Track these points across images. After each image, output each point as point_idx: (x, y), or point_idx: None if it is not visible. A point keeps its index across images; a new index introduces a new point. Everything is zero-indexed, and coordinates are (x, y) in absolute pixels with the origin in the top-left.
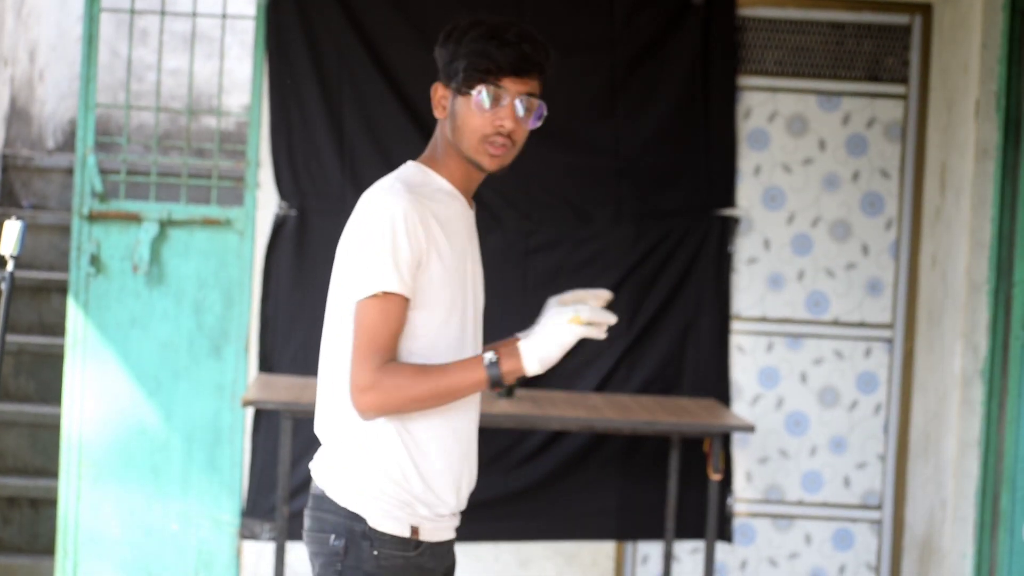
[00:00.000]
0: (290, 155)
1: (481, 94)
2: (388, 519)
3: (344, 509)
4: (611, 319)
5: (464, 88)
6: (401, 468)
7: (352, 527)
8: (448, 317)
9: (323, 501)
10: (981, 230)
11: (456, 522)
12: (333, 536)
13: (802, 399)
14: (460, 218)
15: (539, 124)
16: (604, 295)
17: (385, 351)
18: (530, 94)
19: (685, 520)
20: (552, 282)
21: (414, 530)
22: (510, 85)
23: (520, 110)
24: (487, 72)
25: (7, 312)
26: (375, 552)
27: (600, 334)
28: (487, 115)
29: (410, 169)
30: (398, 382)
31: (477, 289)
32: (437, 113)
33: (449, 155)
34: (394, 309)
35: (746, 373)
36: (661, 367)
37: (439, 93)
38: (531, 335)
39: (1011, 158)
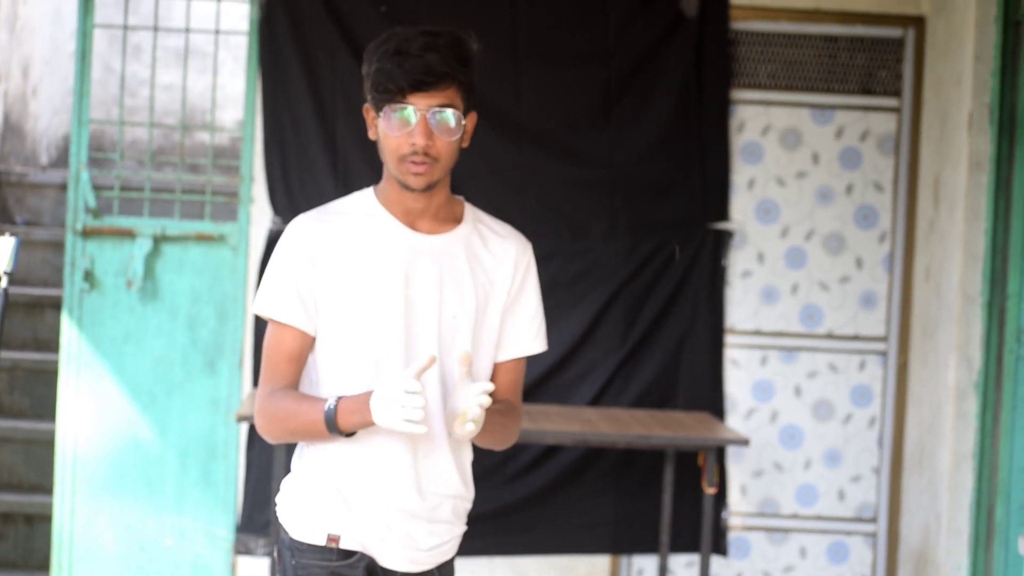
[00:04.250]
0: (284, 170)
1: (388, 114)
2: (303, 528)
3: (279, 522)
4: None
5: (375, 110)
6: (317, 477)
7: (283, 538)
8: (358, 342)
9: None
10: (975, 243)
11: (421, 555)
12: (275, 548)
13: (796, 412)
14: (387, 241)
15: (459, 135)
16: (414, 386)
17: (277, 377)
18: (445, 105)
19: (680, 534)
20: (547, 295)
21: (332, 538)
22: (418, 100)
23: (433, 123)
24: (389, 92)
25: (1, 328)
26: (293, 561)
27: (418, 430)
28: (401, 135)
29: (359, 192)
30: (275, 412)
31: (419, 315)
32: (370, 135)
33: (386, 178)
34: (280, 333)
35: (740, 386)
36: (655, 380)
37: (369, 115)
38: (377, 394)
39: (1004, 170)
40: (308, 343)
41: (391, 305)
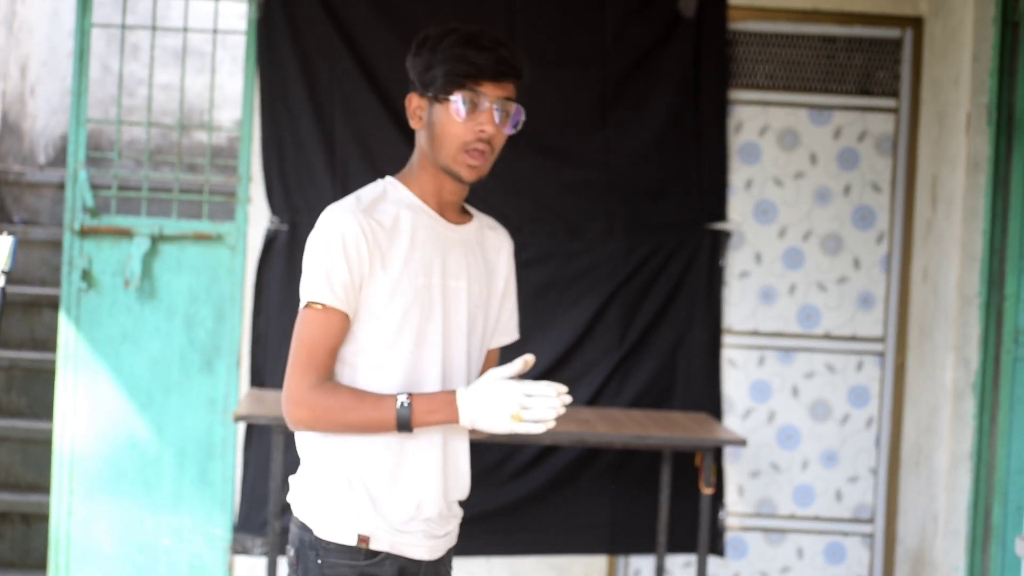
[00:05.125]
0: (281, 170)
1: (460, 100)
2: (332, 528)
3: (298, 520)
4: (552, 421)
5: (442, 95)
6: (347, 477)
7: (303, 537)
8: (399, 332)
9: (290, 514)
10: (972, 243)
11: (438, 542)
12: (290, 547)
13: (794, 413)
14: (426, 231)
15: (515, 131)
16: (555, 389)
17: (321, 368)
18: (507, 99)
19: (677, 534)
20: (543, 296)
21: (363, 539)
22: (489, 90)
23: (498, 116)
24: (466, 76)
25: None
26: (319, 561)
27: (539, 429)
28: (467, 122)
29: (376, 184)
30: (330, 405)
31: (454, 304)
32: (413, 124)
33: (423, 168)
34: (329, 322)
35: (738, 387)
36: (653, 381)
37: (414, 103)
38: (474, 396)
39: (1002, 171)
40: (347, 330)
41: (432, 294)
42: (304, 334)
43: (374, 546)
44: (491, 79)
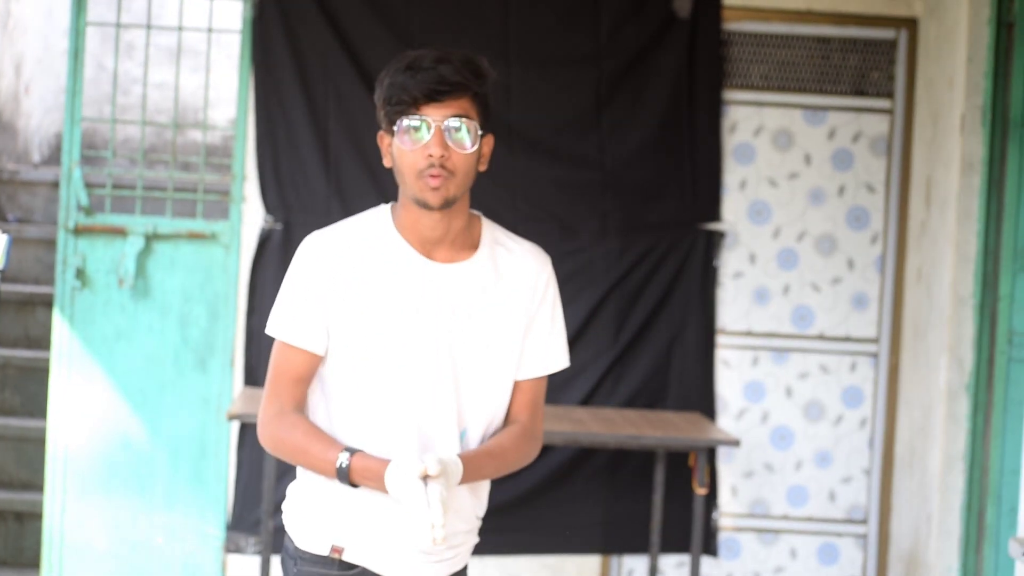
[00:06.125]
0: (276, 169)
1: (402, 128)
2: (307, 537)
3: (286, 530)
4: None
5: (391, 127)
6: (325, 489)
7: (287, 546)
8: (364, 370)
9: (282, 513)
10: (966, 244)
11: (433, 564)
12: (282, 555)
13: (787, 413)
14: (404, 270)
15: (475, 149)
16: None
17: (284, 396)
18: (460, 116)
19: (670, 534)
20: None
21: (336, 549)
22: (431, 112)
23: (450, 135)
24: (402, 104)
25: None
26: (295, 570)
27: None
28: (417, 149)
29: (375, 211)
30: (284, 438)
31: (429, 343)
32: (385, 163)
33: (403, 204)
34: (288, 355)
35: (731, 387)
36: (646, 381)
37: (384, 142)
38: (392, 476)
39: (996, 172)
40: (317, 363)
41: (399, 336)
42: (272, 362)
43: (347, 558)
44: (430, 100)
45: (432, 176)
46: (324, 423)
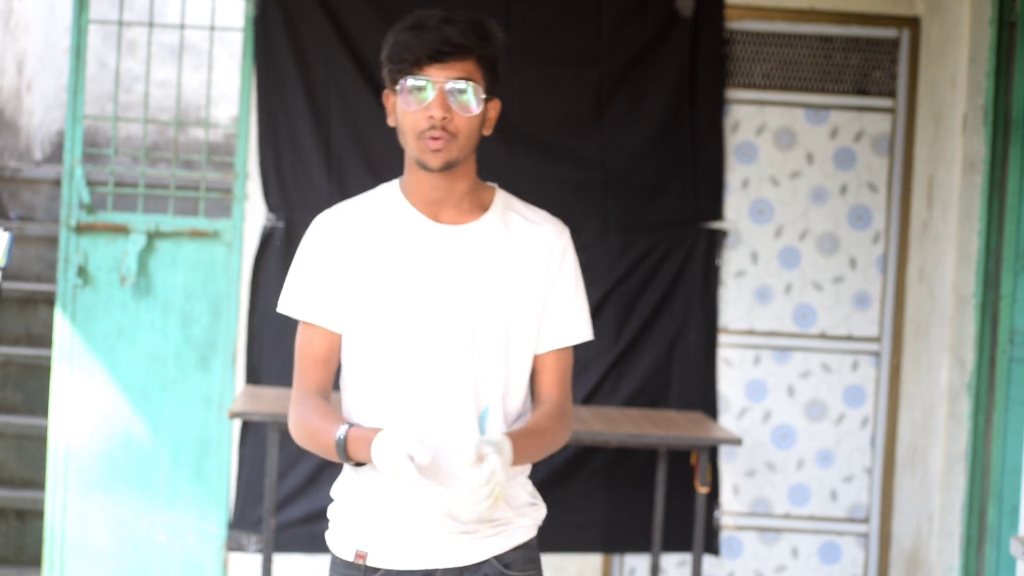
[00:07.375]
0: (278, 167)
1: (405, 88)
2: (337, 543)
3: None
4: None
5: (393, 87)
6: (349, 493)
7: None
8: (378, 342)
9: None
10: (968, 243)
11: (441, 550)
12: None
13: (789, 412)
14: (410, 233)
15: (478, 112)
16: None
17: (307, 380)
18: (464, 78)
19: (672, 533)
20: None
21: (360, 554)
22: (435, 73)
23: (453, 97)
24: (405, 63)
25: None
26: (333, 574)
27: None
28: (419, 110)
29: (385, 184)
30: (300, 424)
31: (444, 309)
32: (389, 122)
33: (408, 167)
34: (310, 335)
35: (733, 386)
36: (648, 380)
37: (389, 101)
38: (380, 444)
39: (998, 171)
40: (337, 343)
41: (410, 302)
42: (296, 345)
43: (371, 562)
44: (434, 61)
45: (433, 138)
46: (350, 406)
